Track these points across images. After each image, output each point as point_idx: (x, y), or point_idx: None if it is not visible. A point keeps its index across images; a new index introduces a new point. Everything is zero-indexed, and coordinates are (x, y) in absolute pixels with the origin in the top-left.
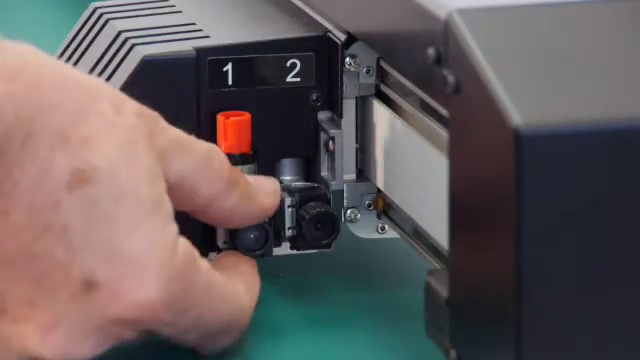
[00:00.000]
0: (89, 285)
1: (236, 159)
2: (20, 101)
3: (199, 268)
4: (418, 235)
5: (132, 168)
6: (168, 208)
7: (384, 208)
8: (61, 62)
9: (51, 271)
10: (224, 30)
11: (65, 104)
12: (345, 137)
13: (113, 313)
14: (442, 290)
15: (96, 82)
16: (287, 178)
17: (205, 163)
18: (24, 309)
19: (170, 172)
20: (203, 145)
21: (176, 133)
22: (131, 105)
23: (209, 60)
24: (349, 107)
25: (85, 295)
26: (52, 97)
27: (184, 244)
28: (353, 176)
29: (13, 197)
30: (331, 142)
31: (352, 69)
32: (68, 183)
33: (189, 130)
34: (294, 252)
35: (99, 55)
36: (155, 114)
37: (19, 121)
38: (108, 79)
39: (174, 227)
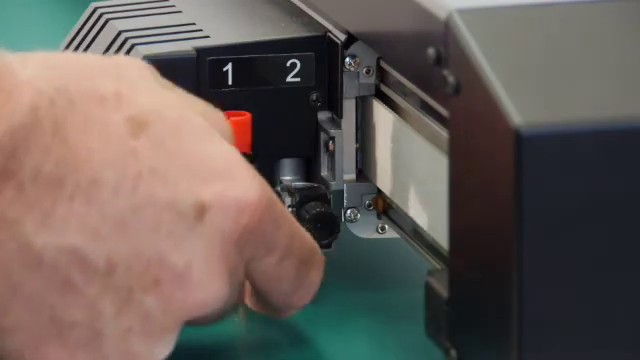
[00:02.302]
0: (201, 210)
1: None
2: (44, 79)
3: None
4: (418, 235)
5: (166, 102)
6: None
7: (384, 208)
8: None
9: (162, 214)
10: (224, 30)
11: (74, 75)
12: (345, 137)
13: (230, 226)
14: (442, 290)
15: None
16: (287, 178)
17: None
18: (153, 270)
19: None
20: None
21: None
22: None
23: (209, 60)
24: (349, 107)
25: (201, 222)
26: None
27: None
28: (353, 176)
29: (94, 163)
30: (331, 142)
31: (352, 69)
32: (130, 132)
33: None
34: None
35: (99, 55)
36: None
37: (56, 90)
38: None
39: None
